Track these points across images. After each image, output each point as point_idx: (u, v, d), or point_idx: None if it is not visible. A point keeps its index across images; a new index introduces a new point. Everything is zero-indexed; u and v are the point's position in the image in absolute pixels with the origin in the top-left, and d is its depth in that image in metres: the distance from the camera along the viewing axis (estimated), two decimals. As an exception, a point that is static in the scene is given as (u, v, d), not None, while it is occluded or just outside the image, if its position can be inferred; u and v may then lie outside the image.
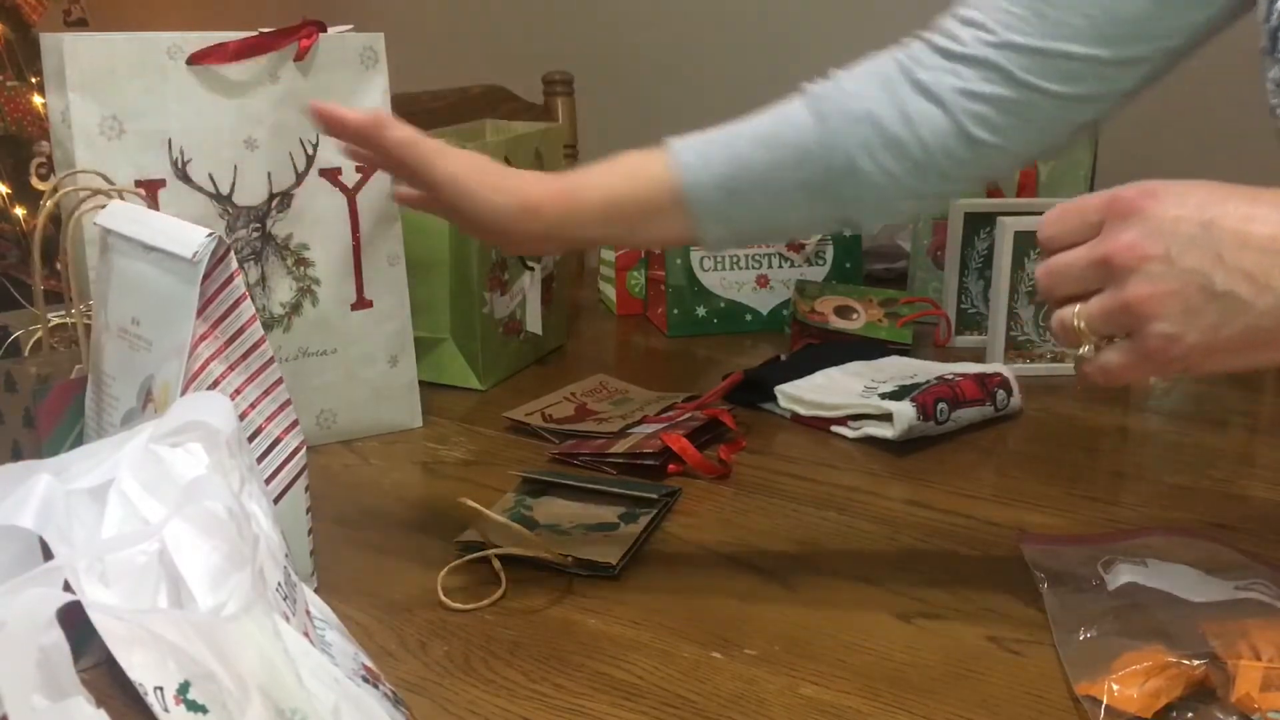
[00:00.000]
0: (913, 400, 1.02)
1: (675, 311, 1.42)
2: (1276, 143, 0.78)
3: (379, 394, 1.07)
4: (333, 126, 0.83)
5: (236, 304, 0.70)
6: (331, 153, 1.01)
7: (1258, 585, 0.69)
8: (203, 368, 0.69)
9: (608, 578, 0.80)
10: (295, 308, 1.01)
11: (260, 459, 0.72)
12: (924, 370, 1.14)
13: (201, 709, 0.48)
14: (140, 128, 0.92)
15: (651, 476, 0.96)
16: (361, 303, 1.05)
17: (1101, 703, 0.62)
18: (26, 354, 0.92)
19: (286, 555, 0.60)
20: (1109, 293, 0.49)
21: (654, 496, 0.89)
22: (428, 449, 1.05)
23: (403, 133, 0.82)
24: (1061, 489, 0.95)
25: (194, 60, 0.93)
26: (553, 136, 1.32)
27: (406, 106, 1.43)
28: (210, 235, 0.68)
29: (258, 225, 0.98)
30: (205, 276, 0.68)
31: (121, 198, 0.82)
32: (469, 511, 0.80)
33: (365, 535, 0.87)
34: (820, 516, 0.90)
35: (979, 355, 1.29)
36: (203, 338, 0.69)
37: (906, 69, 0.81)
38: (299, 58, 0.98)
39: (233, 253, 0.70)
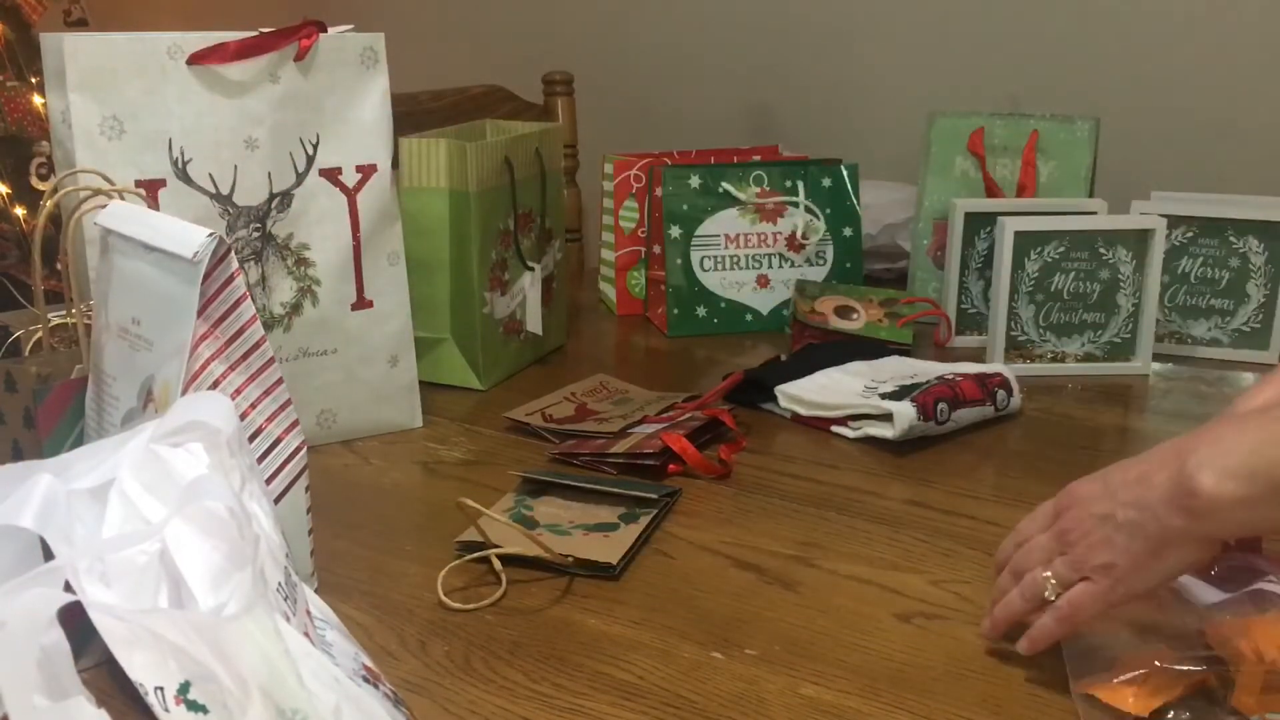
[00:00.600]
0: (913, 400, 1.02)
1: (675, 311, 1.42)
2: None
3: (379, 394, 1.07)
4: None
5: (237, 304, 0.70)
6: (331, 152, 1.01)
7: (1266, 580, 0.69)
8: (203, 368, 0.69)
9: (608, 578, 0.80)
10: (295, 308, 1.01)
11: (261, 459, 0.72)
12: (924, 370, 1.14)
13: (202, 709, 0.48)
14: (140, 128, 0.92)
15: (651, 476, 0.96)
16: (361, 303, 1.05)
17: (1100, 703, 0.62)
18: (27, 354, 0.92)
19: (287, 555, 0.60)
20: (1067, 555, 0.66)
21: (654, 496, 0.90)
22: (428, 449, 1.05)
23: None
24: (1061, 489, 0.95)
25: (194, 60, 0.93)
26: (553, 136, 1.32)
27: (406, 106, 1.43)
28: (211, 235, 0.68)
29: (258, 225, 0.98)
30: (206, 276, 0.68)
31: (122, 198, 0.82)
32: (469, 511, 0.80)
33: (365, 535, 0.88)
34: (820, 516, 0.90)
35: (979, 355, 1.29)
36: (203, 338, 0.69)
37: None
38: (299, 58, 0.98)
39: (233, 253, 0.70)
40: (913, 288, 1.46)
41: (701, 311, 1.43)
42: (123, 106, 0.91)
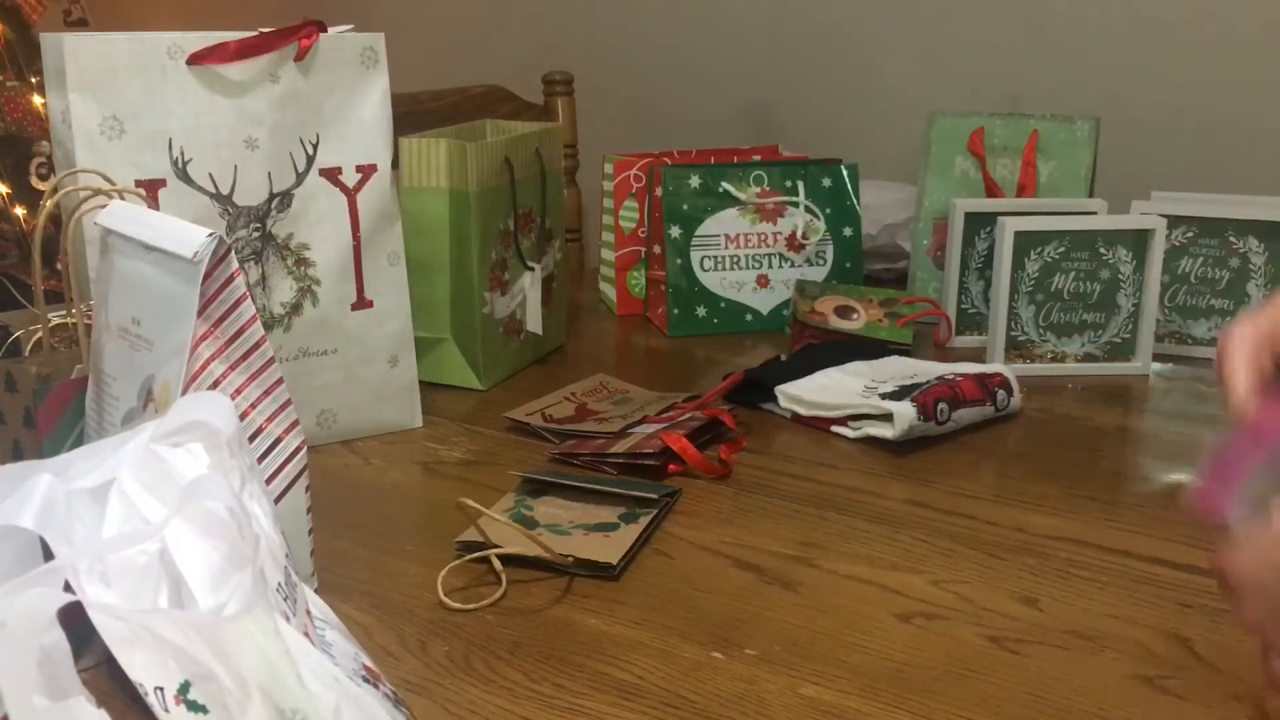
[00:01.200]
0: (913, 400, 1.02)
1: (675, 311, 1.42)
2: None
3: (379, 394, 1.07)
4: None
5: (237, 304, 0.70)
6: (331, 152, 1.02)
7: None
8: (203, 367, 0.69)
9: (608, 578, 0.80)
10: (295, 308, 1.01)
11: (261, 459, 0.72)
12: (924, 370, 1.14)
13: (202, 709, 0.48)
14: (140, 128, 0.92)
15: (651, 476, 0.96)
16: (362, 303, 1.05)
17: None
18: (27, 354, 0.92)
19: (287, 555, 0.60)
20: None
21: (654, 496, 0.90)
22: (428, 449, 1.05)
23: None
24: (1061, 489, 0.95)
25: (194, 60, 0.93)
26: (553, 136, 1.32)
27: (406, 106, 1.43)
28: (211, 235, 0.68)
29: (258, 225, 0.98)
30: (206, 276, 0.68)
31: (122, 198, 0.82)
32: (469, 511, 0.80)
33: (365, 535, 0.88)
34: (820, 516, 0.90)
35: (979, 355, 1.29)
36: (203, 338, 0.69)
37: None
38: (299, 58, 0.98)
39: (233, 253, 0.70)
40: (913, 288, 1.46)
41: (701, 311, 1.43)
42: (123, 106, 0.91)
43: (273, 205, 0.99)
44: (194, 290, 0.68)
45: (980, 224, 1.34)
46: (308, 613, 0.60)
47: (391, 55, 1.04)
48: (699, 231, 1.42)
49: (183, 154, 0.94)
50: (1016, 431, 1.09)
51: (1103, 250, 1.25)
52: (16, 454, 0.83)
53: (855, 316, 1.34)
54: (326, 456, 1.02)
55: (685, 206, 1.42)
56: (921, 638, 0.72)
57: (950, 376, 1.09)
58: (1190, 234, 1.30)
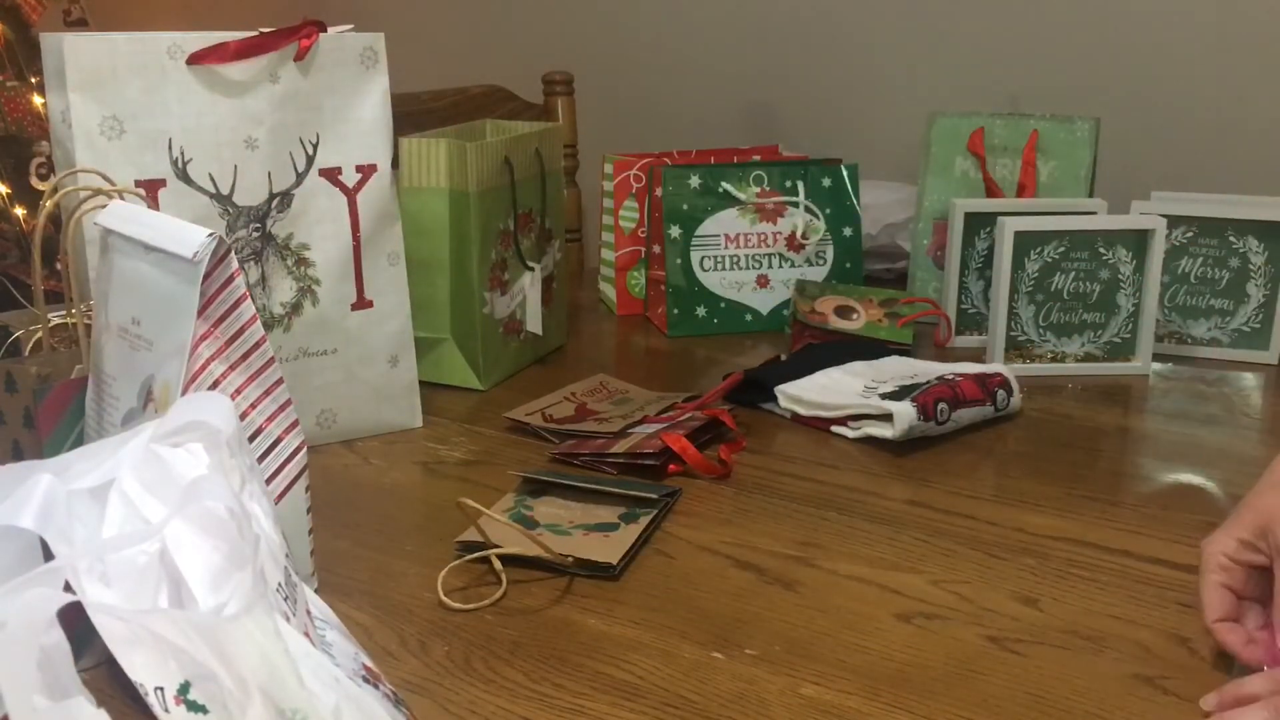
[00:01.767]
0: (913, 400, 1.02)
1: (675, 311, 1.42)
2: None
3: (379, 394, 1.07)
4: None
5: (237, 304, 0.70)
6: (331, 152, 1.01)
7: None
8: (203, 368, 0.69)
9: (608, 578, 0.80)
10: (295, 308, 1.01)
11: (261, 459, 0.72)
12: (924, 370, 1.14)
13: (202, 709, 0.48)
14: (140, 128, 0.92)
15: (651, 476, 0.96)
16: (361, 303, 1.05)
17: None
18: (27, 354, 0.92)
19: (287, 555, 0.60)
20: None
21: (654, 496, 0.90)
22: (428, 449, 1.05)
23: None
24: (1061, 489, 0.95)
25: (194, 60, 0.93)
26: (553, 136, 1.32)
27: (406, 106, 1.43)
28: (211, 235, 0.68)
29: (258, 225, 0.98)
30: (206, 276, 0.68)
31: (122, 198, 0.82)
32: (469, 511, 0.80)
33: (365, 535, 0.88)
34: (820, 516, 0.90)
35: (979, 355, 1.29)
36: (203, 338, 0.69)
37: None
38: (299, 58, 0.98)
39: (233, 253, 0.70)
40: (913, 288, 1.46)
41: (701, 311, 1.43)
42: (123, 106, 0.91)
43: (273, 205, 0.99)
44: (194, 290, 0.68)
45: (980, 224, 1.34)
46: (308, 613, 0.60)
47: (391, 55, 1.04)
48: (699, 231, 1.42)
49: (183, 154, 0.94)
50: (1016, 431, 1.09)
51: (1103, 250, 1.25)
52: (16, 454, 0.83)
53: (855, 316, 1.34)
54: (326, 456, 1.02)
55: (685, 206, 1.42)
56: (921, 638, 0.72)
57: (950, 376, 1.09)
58: (1190, 234, 1.30)
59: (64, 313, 0.93)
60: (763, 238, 1.44)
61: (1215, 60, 1.60)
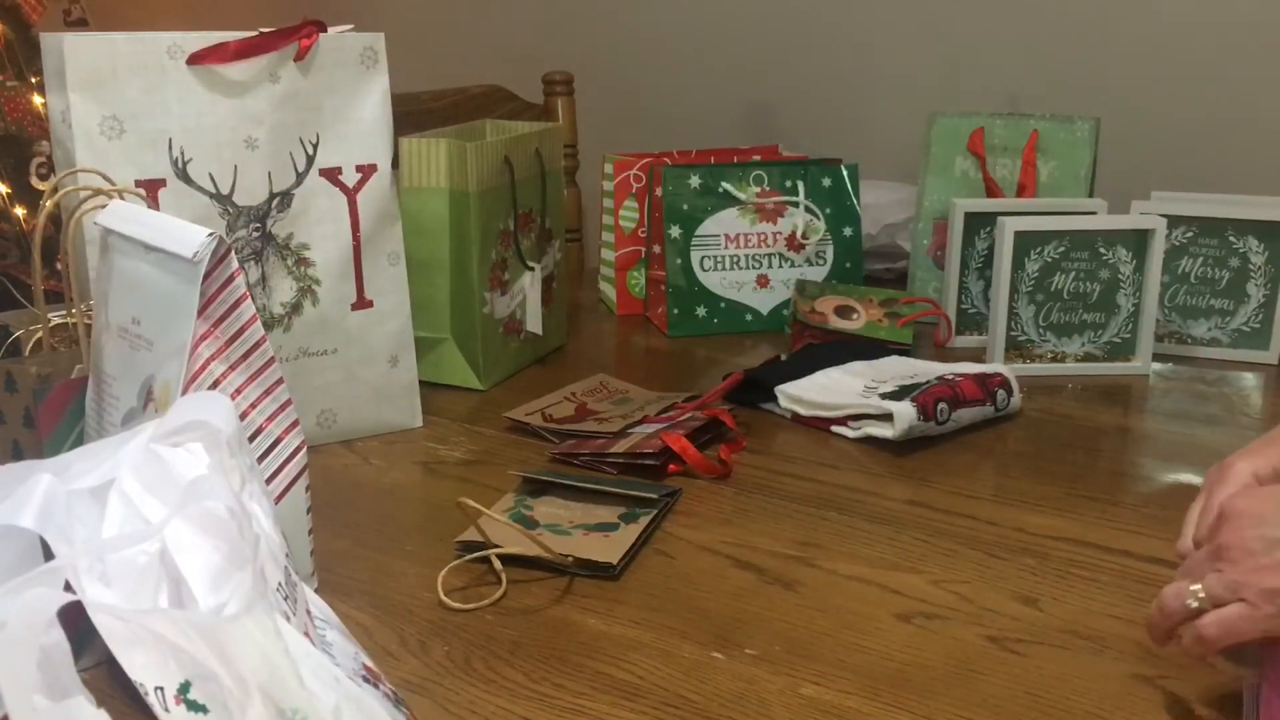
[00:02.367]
0: (913, 400, 1.02)
1: (675, 311, 1.42)
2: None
3: (379, 394, 1.07)
4: None
5: (237, 304, 0.70)
6: (331, 152, 1.01)
7: None
8: (203, 367, 0.69)
9: (608, 578, 0.80)
10: (295, 308, 1.01)
11: (261, 459, 0.72)
12: (924, 370, 1.14)
13: (202, 709, 0.48)
14: (140, 128, 0.92)
15: (651, 476, 0.96)
16: (361, 303, 1.05)
17: None
18: (27, 354, 0.92)
19: (287, 555, 0.60)
20: (1224, 573, 0.60)
21: (654, 496, 0.90)
22: (428, 449, 1.05)
23: None
24: (1061, 489, 0.95)
25: (194, 60, 0.93)
26: (553, 136, 1.32)
27: (406, 106, 1.43)
28: (211, 235, 0.68)
29: (258, 225, 0.98)
30: (206, 276, 0.68)
31: (122, 197, 0.82)
32: (469, 511, 0.80)
33: (365, 535, 0.88)
34: (820, 516, 0.90)
35: (979, 355, 1.29)
36: (203, 337, 0.69)
37: None
38: (299, 58, 0.98)
39: (233, 253, 0.70)
40: (913, 288, 1.46)
41: (701, 311, 1.43)
42: (122, 106, 0.91)
43: (273, 205, 0.99)
44: (194, 290, 0.68)
45: (980, 224, 1.34)
46: (308, 613, 0.60)
47: (391, 55, 1.04)
48: (699, 231, 1.42)
49: (183, 154, 0.94)
50: (1016, 431, 1.09)
51: (1103, 250, 1.25)
52: (16, 454, 0.83)
53: (855, 316, 1.34)
54: (326, 456, 1.02)
55: (685, 206, 1.42)
56: (921, 638, 0.72)
57: (950, 376, 1.09)
58: (1190, 234, 1.30)
59: (64, 313, 0.93)
60: (763, 238, 1.44)
61: (1215, 60, 1.60)
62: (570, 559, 0.79)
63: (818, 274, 1.46)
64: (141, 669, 0.48)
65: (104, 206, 0.79)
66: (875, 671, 0.69)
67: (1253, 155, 1.58)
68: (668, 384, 1.21)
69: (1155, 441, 1.08)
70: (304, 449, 0.74)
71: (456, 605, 0.76)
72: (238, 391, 0.71)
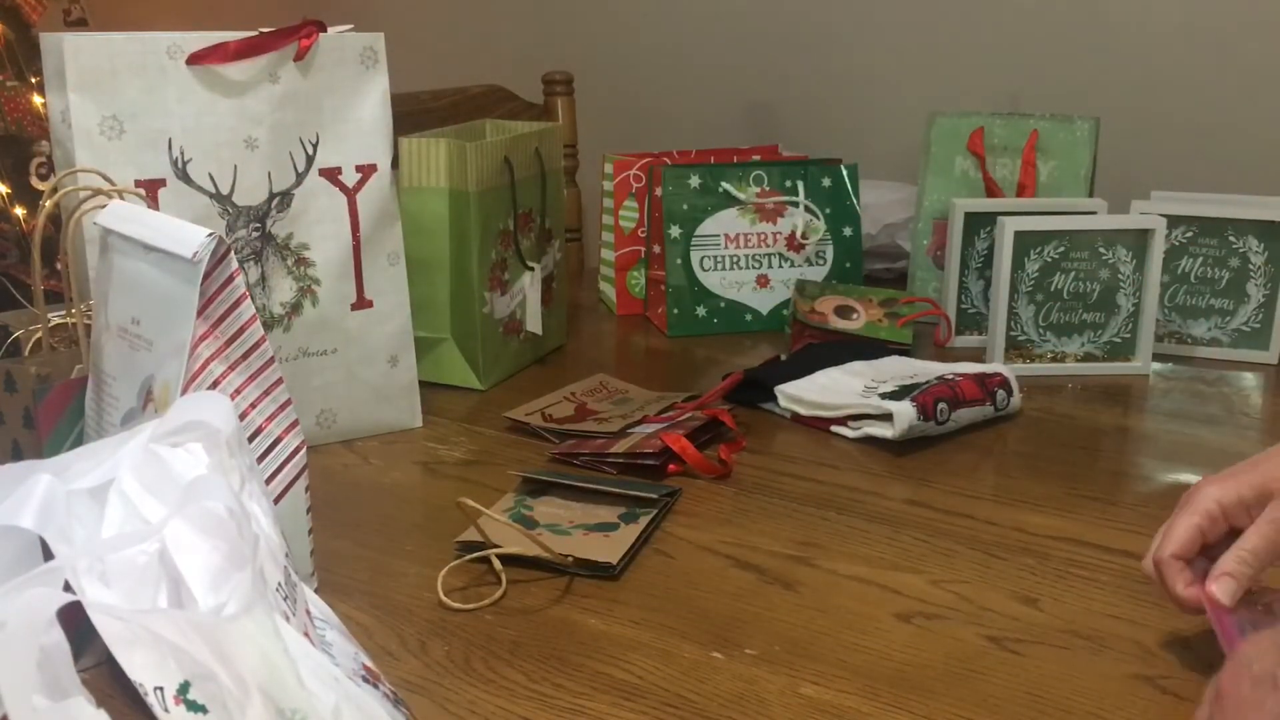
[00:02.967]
0: (913, 400, 1.02)
1: (675, 311, 1.42)
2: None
3: (379, 394, 1.07)
4: None
5: (237, 304, 0.70)
6: (331, 152, 1.01)
7: None
8: (203, 367, 0.69)
9: (608, 578, 0.80)
10: (295, 308, 1.01)
11: (260, 459, 0.72)
12: (924, 370, 1.14)
13: (201, 709, 0.48)
14: (140, 128, 0.92)
15: (651, 476, 0.96)
16: (361, 303, 1.05)
17: None
18: (26, 354, 0.92)
19: (287, 555, 0.60)
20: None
21: (654, 496, 0.89)
22: (428, 449, 1.05)
23: None
24: (1061, 489, 0.95)
25: (194, 60, 0.93)
26: (553, 136, 1.32)
27: (406, 106, 1.43)
28: (210, 235, 0.68)
29: (258, 225, 0.98)
30: (205, 276, 0.68)
31: (121, 197, 0.82)
32: (469, 511, 0.80)
33: (365, 535, 0.87)
34: (820, 516, 0.90)
35: (979, 355, 1.29)
36: (203, 338, 0.69)
37: None
38: (299, 58, 0.98)
39: (233, 252, 0.70)
40: (913, 288, 1.46)
41: (701, 311, 1.43)
42: (122, 106, 0.91)
43: (272, 205, 0.99)
44: (194, 290, 0.68)
45: (980, 224, 1.34)
46: (307, 613, 0.60)
47: (391, 55, 1.04)
48: (699, 231, 1.42)
49: (182, 154, 0.94)
50: (1016, 431, 1.09)
51: (1102, 250, 1.25)
52: (16, 454, 0.83)
53: (855, 316, 1.34)
54: (326, 456, 1.02)
55: (685, 206, 1.42)
56: (921, 637, 0.72)
57: (950, 376, 1.09)
58: (1190, 234, 1.30)
59: (64, 313, 0.93)
60: (763, 238, 1.44)
61: (1215, 60, 1.60)
62: (570, 559, 0.79)
63: (818, 274, 1.46)
64: (141, 669, 0.48)
65: (104, 206, 0.79)
66: (875, 671, 0.69)
67: (1253, 155, 1.58)
68: (668, 384, 1.21)
69: (1155, 441, 1.08)
70: (304, 449, 0.74)
71: (456, 605, 0.76)
72: (237, 391, 0.71)
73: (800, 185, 1.45)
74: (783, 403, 1.11)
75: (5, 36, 2.21)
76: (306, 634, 0.56)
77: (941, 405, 1.03)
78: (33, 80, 2.19)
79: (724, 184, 1.43)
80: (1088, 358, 1.27)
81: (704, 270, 1.43)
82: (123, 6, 2.64)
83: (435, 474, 1.00)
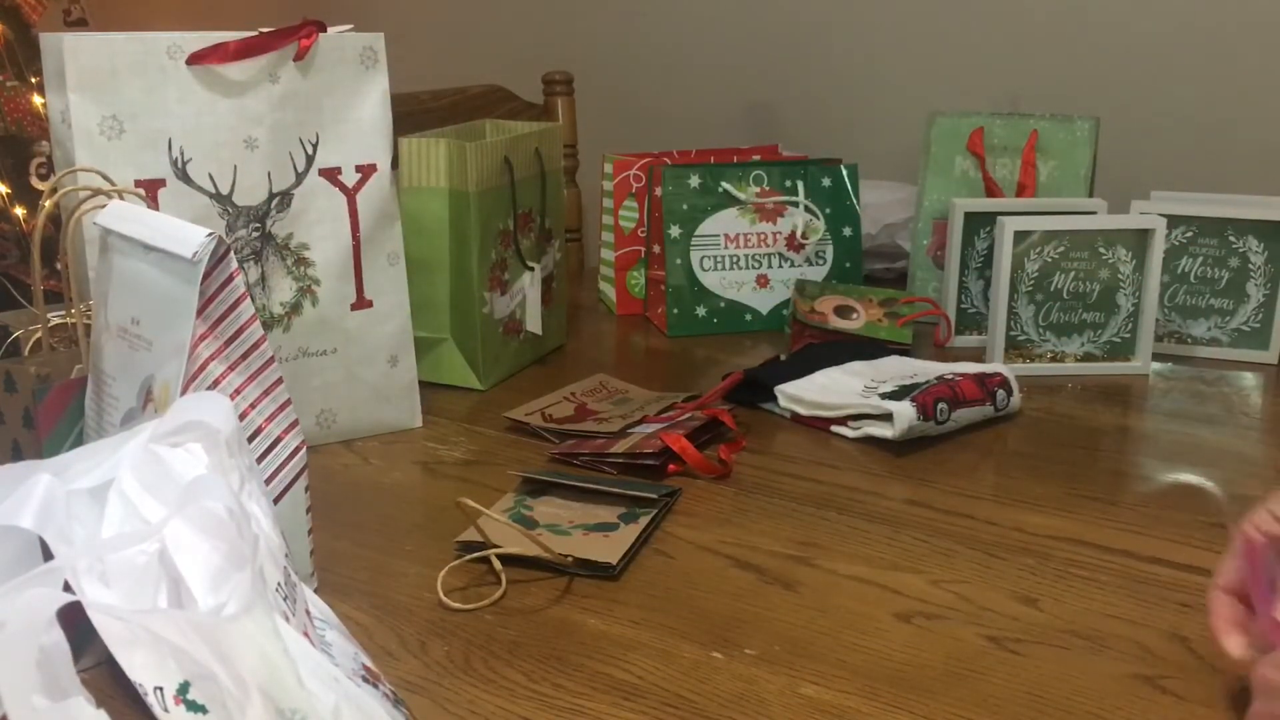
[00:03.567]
0: (913, 400, 1.02)
1: (675, 311, 1.42)
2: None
3: (379, 394, 1.07)
4: None
5: (236, 304, 0.70)
6: (331, 152, 1.01)
7: None
8: (203, 367, 0.69)
9: (608, 578, 0.80)
10: (295, 308, 1.01)
11: (260, 459, 0.72)
12: (924, 370, 1.14)
13: (201, 709, 0.48)
14: (140, 128, 0.92)
15: (651, 476, 0.96)
16: (361, 303, 1.05)
17: None
18: (26, 354, 0.92)
19: (286, 555, 0.60)
20: None
21: (654, 496, 0.89)
22: (428, 449, 1.05)
23: None
24: (1061, 489, 0.95)
25: (194, 60, 0.93)
26: (553, 136, 1.32)
27: (406, 106, 1.43)
28: (210, 235, 0.68)
29: (258, 225, 0.98)
30: (205, 276, 0.68)
31: (121, 197, 0.82)
32: (469, 511, 0.80)
33: (365, 535, 0.87)
34: (820, 516, 0.90)
35: (979, 355, 1.29)
36: (203, 338, 0.69)
37: None
38: (299, 58, 0.98)
39: (233, 252, 0.70)
40: (912, 287, 1.46)
41: (701, 311, 1.43)
42: (122, 106, 0.91)
43: (272, 205, 0.99)
44: (193, 290, 0.68)
45: (980, 224, 1.34)
46: (307, 613, 0.60)
47: (391, 55, 1.04)
48: (699, 231, 1.42)
49: (182, 154, 0.94)
50: (1016, 431, 1.09)
51: (1102, 250, 1.25)
52: (16, 454, 0.83)
53: (855, 316, 1.34)
54: (326, 456, 1.02)
55: (685, 206, 1.42)
56: (921, 638, 0.72)
57: (950, 376, 1.09)
58: (1190, 234, 1.30)
59: (64, 313, 0.93)
60: (762, 237, 1.44)
61: (1215, 60, 1.60)
62: (570, 559, 0.79)
63: (817, 274, 1.46)
64: (141, 669, 0.48)
65: (103, 206, 0.79)
66: (875, 671, 0.69)
67: (1253, 155, 1.58)
68: (668, 384, 1.21)
69: (1155, 441, 1.08)
70: (303, 449, 0.74)
71: (456, 605, 0.76)
72: (237, 391, 0.71)
73: (800, 185, 1.45)
74: (783, 403, 1.11)
75: (5, 36, 2.21)
76: (306, 634, 0.56)
77: (941, 405, 1.03)
78: (33, 80, 2.19)
79: (724, 184, 1.43)
80: (1087, 357, 1.27)
81: (704, 270, 1.43)
82: (123, 6, 2.64)
83: (435, 474, 1.00)
